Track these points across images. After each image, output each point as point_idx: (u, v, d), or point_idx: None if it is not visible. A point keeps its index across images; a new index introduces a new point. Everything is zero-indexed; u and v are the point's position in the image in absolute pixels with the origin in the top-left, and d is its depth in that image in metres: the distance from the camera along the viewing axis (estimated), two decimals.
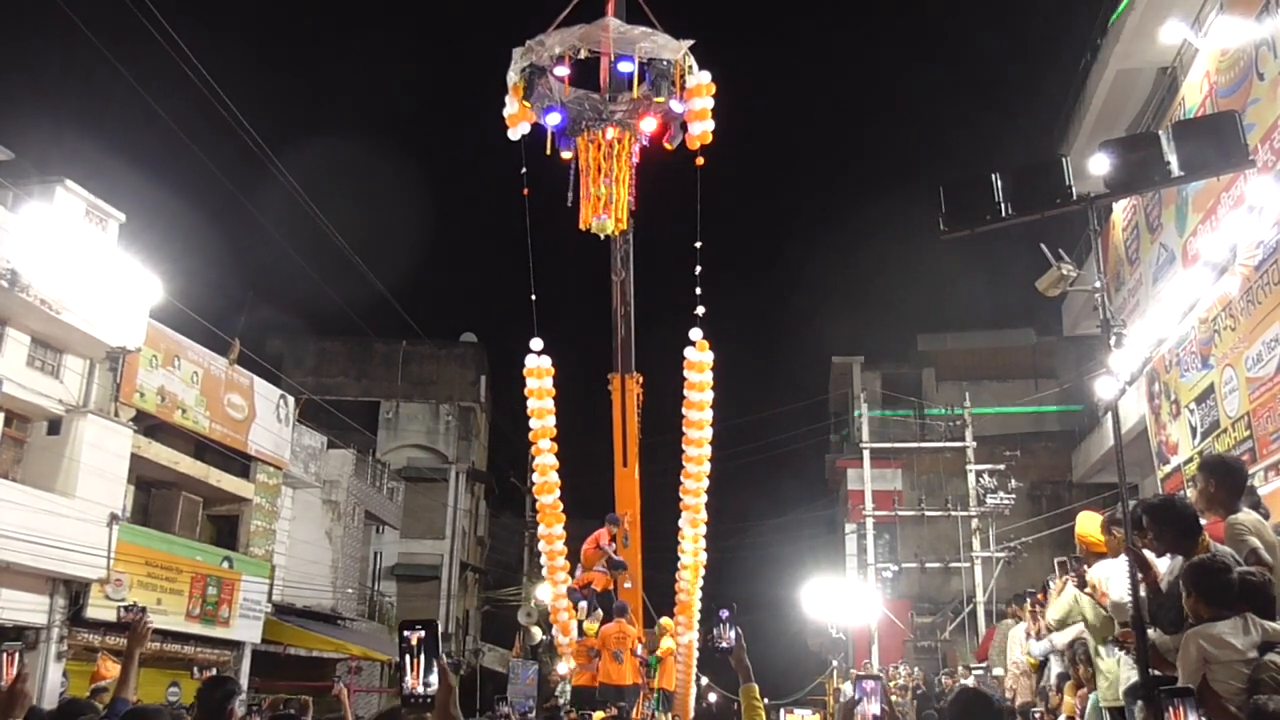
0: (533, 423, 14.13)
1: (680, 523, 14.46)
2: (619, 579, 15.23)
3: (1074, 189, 5.25)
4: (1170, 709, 3.11)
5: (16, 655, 4.71)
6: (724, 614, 4.76)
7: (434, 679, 2.87)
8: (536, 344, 14.00)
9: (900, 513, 31.49)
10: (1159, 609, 5.29)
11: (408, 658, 2.90)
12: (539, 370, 13.98)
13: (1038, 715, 9.27)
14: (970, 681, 15.38)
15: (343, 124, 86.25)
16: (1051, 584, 8.69)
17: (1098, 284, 5.42)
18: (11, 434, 17.81)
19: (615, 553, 15.15)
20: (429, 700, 2.84)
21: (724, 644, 4.72)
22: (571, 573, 14.91)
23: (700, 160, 12.59)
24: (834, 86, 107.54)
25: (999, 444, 29.59)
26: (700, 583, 14.84)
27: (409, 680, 2.88)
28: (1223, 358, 14.37)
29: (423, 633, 2.95)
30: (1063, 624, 7.75)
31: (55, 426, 18.24)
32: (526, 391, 14.11)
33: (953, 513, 29.09)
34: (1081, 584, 6.98)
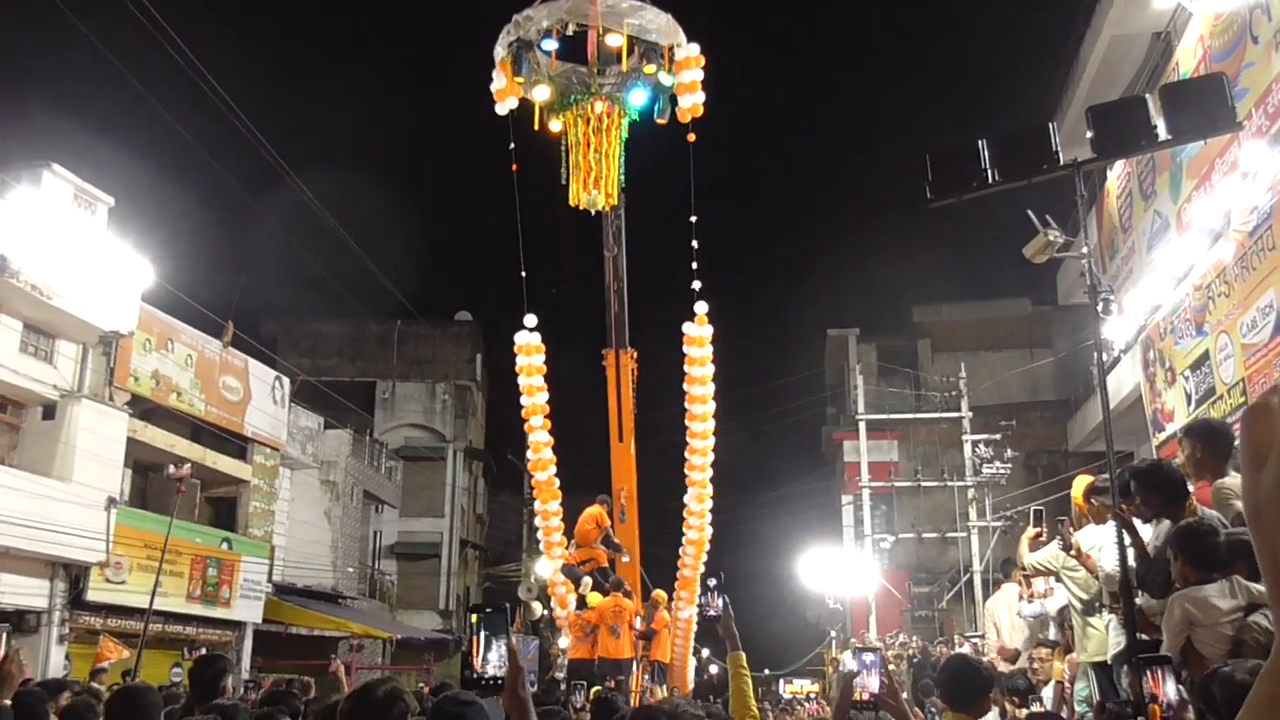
0: (524, 400, 14.11)
1: (686, 499, 14.46)
2: (615, 558, 15.30)
3: (1060, 154, 5.23)
4: (1149, 675, 3.11)
5: (4, 636, 4.72)
6: (712, 582, 4.77)
7: (494, 657, 2.85)
8: (530, 320, 13.97)
9: (896, 484, 31.59)
10: (1147, 574, 5.30)
11: (473, 640, 2.88)
12: (528, 347, 13.96)
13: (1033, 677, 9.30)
14: (966, 649, 15.45)
15: (332, 103, 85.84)
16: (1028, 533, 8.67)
17: (1085, 250, 5.39)
18: (6, 419, 17.82)
19: (613, 531, 15.21)
20: (496, 681, 2.82)
21: (712, 612, 4.73)
22: (568, 548, 14.97)
23: (692, 136, 12.53)
24: (828, 57, 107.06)
25: (995, 414, 29.66)
26: (704, 557, 14.86)
27: (474, 663, 2.86)
28: (1217, 324, 14.36)
29: (488, 612, 2.93)
30: (1038, 571, 7.79)
31: (50, 411, 18.25)
32: (517, 368, 14.08)
33: (949, 483, 29.20)
34: (1066, 547, 7.01)
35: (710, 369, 13.92)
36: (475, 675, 2.84)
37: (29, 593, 17.26)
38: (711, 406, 14.09)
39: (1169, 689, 3.04)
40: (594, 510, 15.25)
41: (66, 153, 18.74)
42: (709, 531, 14.62)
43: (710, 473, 14.39)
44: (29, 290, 16.95)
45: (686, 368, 13.90)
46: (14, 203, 16.99)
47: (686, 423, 14.18)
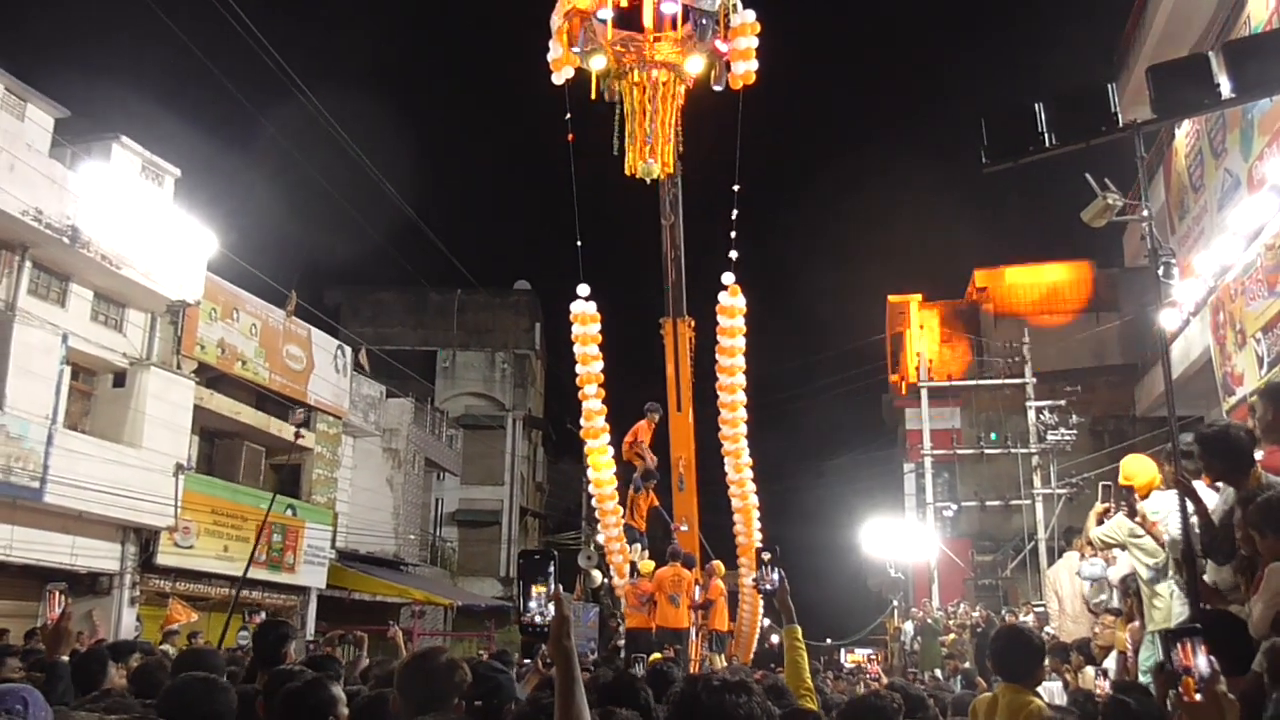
0: (579, 368, 14.22)
1: (725, 468, 14.55)
2: (652, 489, 15.52)
3: (1119, 116, 5.09)
4: (1179, 648, 3.05)
5: (58, 594, 4.86)
6: (766, 556, 4.78)
7: (533, 605, 2.84)
8: (583, 290, 14.04)
9: (959, 451, 31.26)
10: (1212, 541, 5.19)
11: (522, 585, 2.88)
12: (584, 316, 14.03)
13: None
14: (1031, 619, 15.32)
15: (394, 74, 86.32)
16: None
17: (1145, 213, 5.26)
18: (79, 387, 18.24)
19: (649, 449, 15.43)
20: (541, 629, 2.81)
21: (767, 586, 4.74)
22: (624, 513, 15.11)
23: (740, 94, 12.43)
24: (886, 18, 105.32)
25: (1059, 379, 29.17)
26: (757, 525, 14.90)
27: (521, 608, 2.87)
28: None
29: (534, 558, 2.92)
30: (1106, 544, 7.68)
31: (120, 379, 18.68)
32: (573, 337, 14.18)
33: (1012, 450, 28.82)
34: (1131, 513, 6.88)
35: (741, 340, 14.00)
36: (523, 623, 2.85)
37: (101, 555, 17.74)
38: (742, 378, 14.19)
39: (1200, 661, 2.99)
40: (637, 426, 15.48)
41: (135, 125, 19.12)
42: (753, 499, 14.69)
43: (744, 443, 14.47)
44: (99, 260, 17.34)
45: (719, 338, 14.01)
46: (85, 175, 17.34)
47: (718, 392, 14.27)
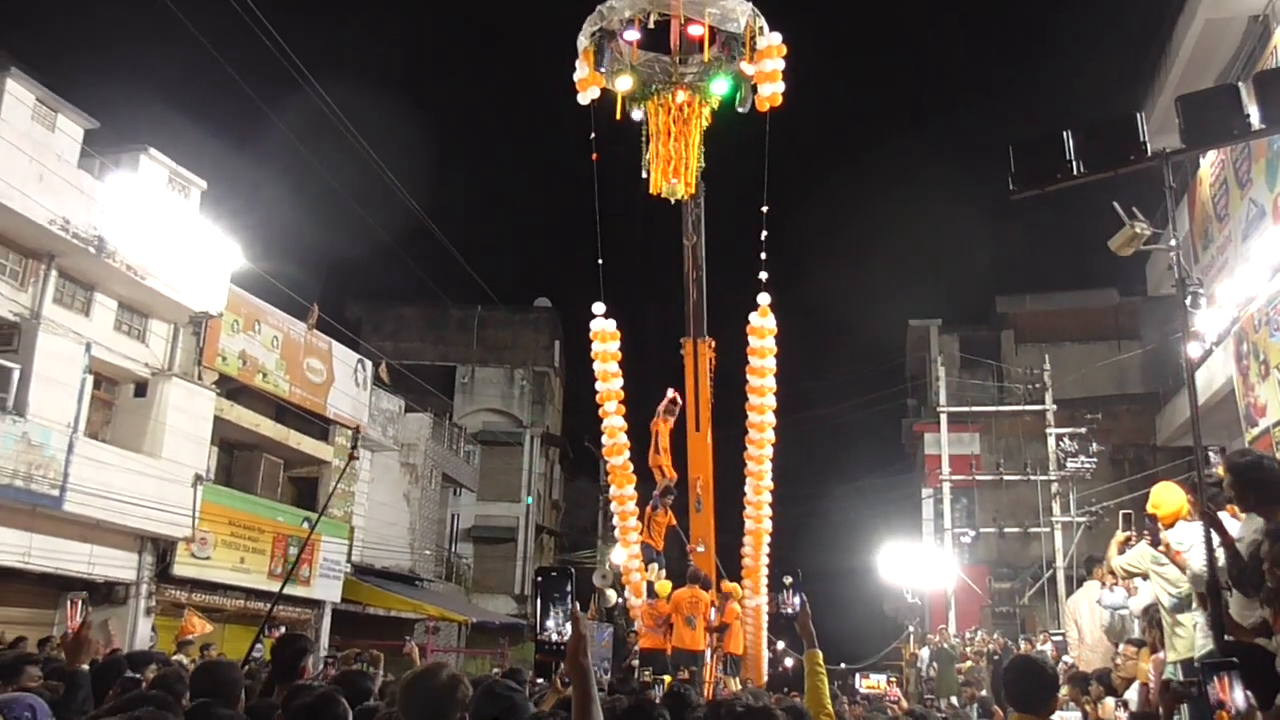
0: (599, 385, 14.27)
1: (745, 488, 14.53)
2: (669, 506, 15.43)
3: (1148, 145, 5.07)
4: (1216, 681, 3.02)
5: (80, 603, 4.89)
6: (788, 580, 4.77)
7: (552, 623, 2.84)
8: (598, 308, 14.11)
9: (978, 477, 31.04)
10: (1241, 573, 5.14)
11: (539, 603, 2.89)
12: (604, 334, 14.09)
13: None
14: (1049, 647, 15.20)
15: (420, 92, 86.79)
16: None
17: (1173, 243, 5.23)
18: (100, 396, 18.36)
19: (668, 458, 15.38)
20: (557, 647, 2.81)
21: (789, 610, 4.74)
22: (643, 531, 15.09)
23: (768, 124, 12.49)
24: (907, 43, 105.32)
25: (1080, 407, 28.96)
26: (766, 548, 14.87)
27: (539, 626, 2.87)
28: None
29: (552, 575, 2.92)
30: (1129, 573, 7.62)
31: (141, 389, 18.79)
32: (592, 355, 14.24)
33: (1032, 477, 28.62)
34: (1155, 542, 6.82)
35: (771, 360, 13.99)
36: (539, 640, 2.85)
37: (118, 565, 17.80)
38: (771, 399, 14.18)
39: (1237, 695, 2.96)
40: (655, 427, 15.49)
41: (163, 137, 19.30)
42: (768, 523, 14.66)
43: (769, 465, 14.45)
44: (124, 270, 17.47)
45: (749, 358, 14.02)
46: (112, 185, 17.50)
47: (747, 412, 14.26)
